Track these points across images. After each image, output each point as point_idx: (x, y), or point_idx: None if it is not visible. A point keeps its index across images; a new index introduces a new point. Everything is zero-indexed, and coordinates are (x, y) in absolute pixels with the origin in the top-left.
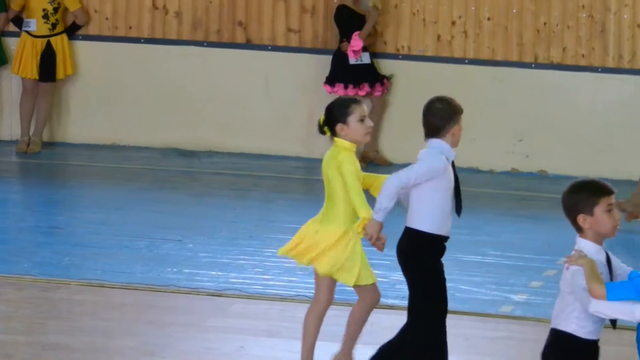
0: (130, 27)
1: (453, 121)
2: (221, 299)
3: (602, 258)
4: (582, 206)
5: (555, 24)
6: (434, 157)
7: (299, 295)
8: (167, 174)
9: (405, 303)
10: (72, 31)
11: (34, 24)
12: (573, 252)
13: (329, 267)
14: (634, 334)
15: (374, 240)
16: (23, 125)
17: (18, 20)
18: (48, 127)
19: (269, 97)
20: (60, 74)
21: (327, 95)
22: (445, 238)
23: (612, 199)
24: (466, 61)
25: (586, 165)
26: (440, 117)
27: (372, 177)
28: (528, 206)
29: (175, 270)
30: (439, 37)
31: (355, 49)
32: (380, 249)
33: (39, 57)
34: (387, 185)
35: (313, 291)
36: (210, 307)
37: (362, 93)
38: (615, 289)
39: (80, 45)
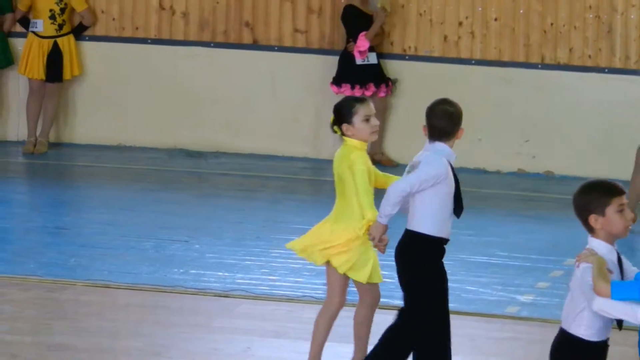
0: (137, 28)
1: (460, 124)
2: (228, 300)
3: (613, 258)
4: (594, 206)
5: (562, 24)
6: (438, 163)
7: (305, 296)
8: (174, 174)
9: None
10: (79, 32)
11: (41, 25)
12: (584, 251)
13: (347, 265)
14: None
15: (377, 241)
16: (30, 126)
17: (25, 21)
18: (55, 127)
19: (276, 97)
20: (67, 75)
21: (334, 96)
22: (446, 240)
23: (624, 199)
24: (473, 62)
25: (593, 165)
26: (451, 121)
27: (385, 177)
28: (534, 207)
29: (181, 270)
30: (445, 37)
31: (362, 49)
32: (382, 250)
33: (45, 58)
34: (392, 192)
35: (320, 292)
36: (216, 307)
37: (368, 93)
38: (620, 288)
39: (87, 46)
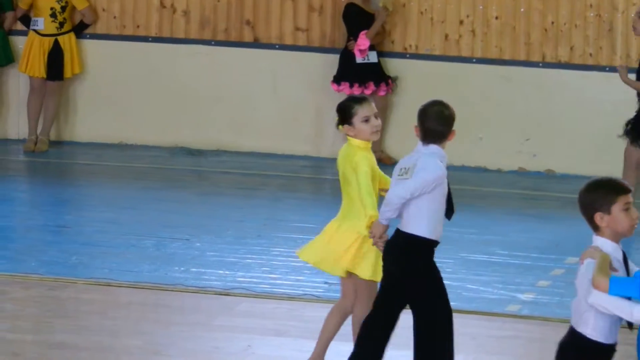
0: (138, 26)
1: (452, 126)
2: (228, 298)
3: (619, 256)
4: (600, 204)
5: (563, 23)
6: (436, 167)
7: (306, 294)
8: (175, 172)
9: None
10: (80, 30)
11: (42, 23)
12: (589, 249)
13: (371, 269)
14: None
15: (377, 239)
16: (30, 124)
17: (26, 19)
18: (55, 125)
19: (277, 96)
20: (67, 73)
21: (335, 94)
22: (437, 243)
23: (630, 197)
24: (474, 60)
25: (594, 164)
26: (446, 124)
27: (387, 179)
28: (535, 205)
29: (182, 269)
30: (446, 36)
31: (362, 47)
32: (381, 248)
33: (46, 56)
34: (392, 198)
35: (320, 290)
36: (217, 306)
37: (367, 92)
38: (618, 284)
39: (88, 44)
